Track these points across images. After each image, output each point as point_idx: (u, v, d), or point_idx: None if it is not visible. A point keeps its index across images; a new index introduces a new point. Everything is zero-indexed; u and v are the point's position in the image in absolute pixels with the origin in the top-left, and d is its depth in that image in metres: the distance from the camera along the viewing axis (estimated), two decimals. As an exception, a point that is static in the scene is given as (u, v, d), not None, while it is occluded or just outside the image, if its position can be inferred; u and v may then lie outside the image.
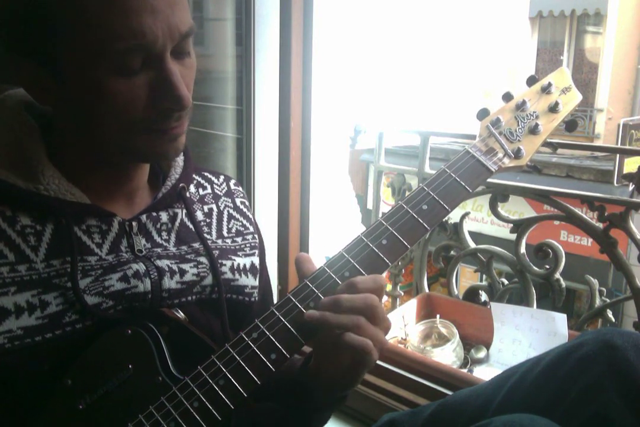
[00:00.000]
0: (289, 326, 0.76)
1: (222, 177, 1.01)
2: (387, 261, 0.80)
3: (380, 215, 1.98)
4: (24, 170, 0.77)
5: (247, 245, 0.97)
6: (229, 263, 0.91)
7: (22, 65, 0.74)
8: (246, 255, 0.95)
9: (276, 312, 0.77)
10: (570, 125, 0.95)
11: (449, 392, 1.46)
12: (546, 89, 0.95)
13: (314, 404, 0.83)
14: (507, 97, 0.96)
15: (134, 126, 0.74)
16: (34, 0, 0.69)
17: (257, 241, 1.00)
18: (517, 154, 0.91)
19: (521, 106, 0.94)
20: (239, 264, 0.92)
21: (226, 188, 1.00)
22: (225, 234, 0.95)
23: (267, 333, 0.75)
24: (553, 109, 0.94)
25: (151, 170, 0.90)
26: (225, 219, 0.96)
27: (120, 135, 0.75)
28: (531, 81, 0.97)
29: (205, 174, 0.99)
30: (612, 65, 7.92)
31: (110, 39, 0.69)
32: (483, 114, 0.95)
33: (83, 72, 0.71)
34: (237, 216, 0.98)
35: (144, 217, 0.85)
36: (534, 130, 0.93)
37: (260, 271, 0.99)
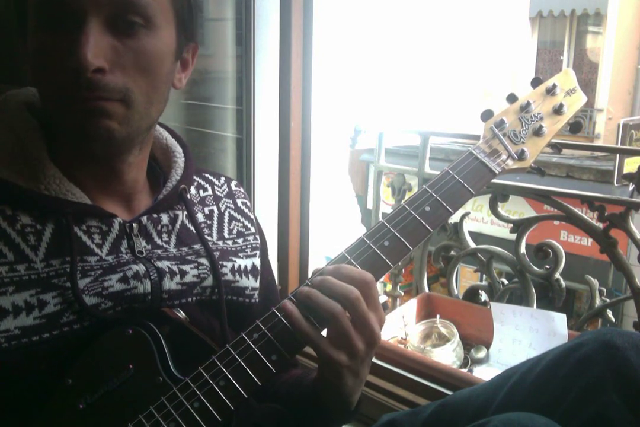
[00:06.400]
0: (291, 327, 0.76)
1: (223, 179, 1.00)
2: (389, 262, 0.80)
3: (380, 215, 2.00)
4: (25, 169, 0.77)
5: (248, 246, 0.97)
6: (229, 264, 0.91)
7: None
8: (247, 256, 0.95)
9: (277, 313, 0.76)
10: (574, 127, 0.94)
11: (449, 392, 1.46)
12: (551, 91, 0.94)
13: (328, 414, 0.83)
14: (512, 98, 0.95)
15: (58, 93, 0.72)
16: None
17: (259, 241, 0.99)
18: (521, 156, 0.90)
19: (525, 108, 0.93)
20: (239, 266, 0.92)
21: (227, 189, 0.99)
22: (226, 236, 0.95)
23: (268, 334, 0.75)
24: (558, 110, 0.93)
25: (152, 172, 0.90)
26: (226, 220, 0.96)
27: (55, 109, 0.75)
28: (536, 83, 0.95)
29: (206, 175, 0.99)
30: (612, 65, 7.92)
31: None
32: (487, 115, 0.93)
33: (28, 32, 0.74)
34: (238, 216, 0.98)
35: (144, 219, 0.84)
36: (538, 132, 0.92)
37: (263, 271, 0.99)
